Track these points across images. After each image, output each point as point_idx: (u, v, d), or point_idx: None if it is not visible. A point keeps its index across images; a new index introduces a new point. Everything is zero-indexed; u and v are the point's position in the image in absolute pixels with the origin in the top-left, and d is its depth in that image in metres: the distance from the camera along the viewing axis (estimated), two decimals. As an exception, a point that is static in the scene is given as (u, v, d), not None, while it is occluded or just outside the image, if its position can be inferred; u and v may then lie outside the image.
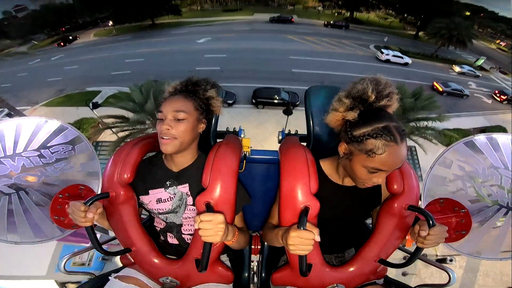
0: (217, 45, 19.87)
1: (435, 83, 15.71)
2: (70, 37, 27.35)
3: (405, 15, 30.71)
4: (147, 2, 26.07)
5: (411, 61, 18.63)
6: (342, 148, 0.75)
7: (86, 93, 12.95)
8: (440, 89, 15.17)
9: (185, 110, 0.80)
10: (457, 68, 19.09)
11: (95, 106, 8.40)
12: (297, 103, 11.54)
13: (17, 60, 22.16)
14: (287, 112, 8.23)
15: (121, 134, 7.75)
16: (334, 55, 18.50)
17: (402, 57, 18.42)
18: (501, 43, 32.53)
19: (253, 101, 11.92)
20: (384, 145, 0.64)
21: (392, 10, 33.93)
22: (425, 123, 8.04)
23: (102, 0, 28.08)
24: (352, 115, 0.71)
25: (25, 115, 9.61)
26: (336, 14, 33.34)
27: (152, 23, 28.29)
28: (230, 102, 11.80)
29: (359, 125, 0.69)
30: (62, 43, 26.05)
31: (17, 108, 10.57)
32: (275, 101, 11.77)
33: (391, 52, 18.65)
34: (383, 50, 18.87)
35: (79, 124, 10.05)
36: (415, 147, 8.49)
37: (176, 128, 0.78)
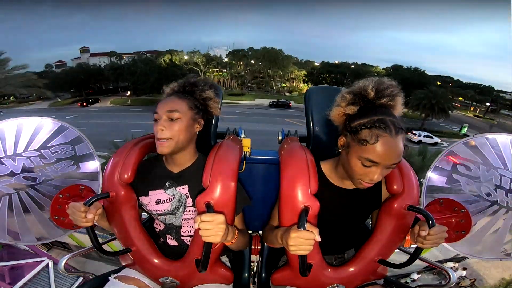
0: (220, 124, 20.45)
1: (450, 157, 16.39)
2: (91, 99, 30.05)
3: None
4: (165, 78, 28.30)
5: (439, 140, 19.50)
6: (341, 141, 0.76)
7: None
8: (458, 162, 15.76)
9: (178, 109, 0.80)
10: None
11: None
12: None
13: (34, 113, 23.10)
14: None
15: None
16: None
17: (432, 137, 19.49)
18: (474, 110, 34.79)
19: None
20: (377, 135, 0.65)
21: None
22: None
23: (127, 70, 30.57)
24: (352, 109, 0.72)
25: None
26: None
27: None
28: None
29: (356, 117, 0.71)
30: (84, 104, 28.58)
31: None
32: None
33: (422, 133, 19.85)
34: (414, 132, 19.81)
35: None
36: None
37: (170, 128, 0.78)
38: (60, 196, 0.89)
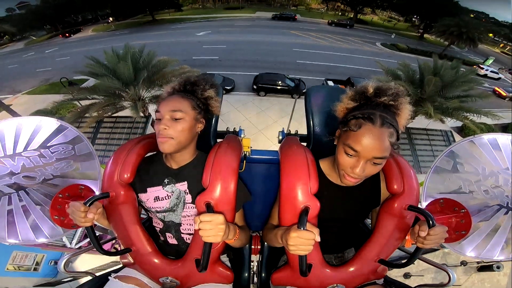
0: (217, 37, 19.27)
1: (497, 88, 15.11)
2: (73, 29, 27.78)
3: (410, 16, 30.64)
4: None
5: (503, 77, 18.86)
6: (337, 133, 0.77)
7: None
8: (504, 94, 14.54)
9: (182, 109, 0.80)
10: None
11: (71, 84, 8.13)
12: (304, 91, 10.28)
13: (12, 54, 22.22)
14: (297, 92, 7.61)
15: (85, 103, 6.88)
16: (340, 49, 17.85)
17: (497, 73, 18.69)
18: (504, 47, 32.95)
19: (254, 87, 10.58)
20: (360, 123, 0.67)
21: (397, 12, 33.77)
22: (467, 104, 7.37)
23: None
24: (351, 104, 0.74)
25: (4, 103, 9.27)
26: (340, 14, 33.29)
27: (152, 19, 28.04)
28: (228, 88, 10.61)
29: (352, 110, 0.73)
30: (67, 34, 26.50)
31: (-1, 96, 10.27)
32: (278, 87, 10.37)
33: (489, 68, 19.00)
34: (482, 66, 19.00)
35: (57, 109, 9.38)
36: (451, 131, 8.03)
37: (173, 128, 0.79)
38: (60, 196, 0.89)
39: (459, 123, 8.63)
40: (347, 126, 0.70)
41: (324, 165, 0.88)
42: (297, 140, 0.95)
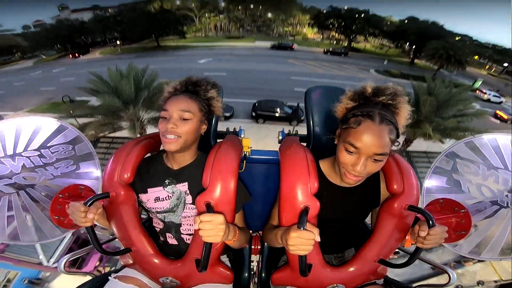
0: (218, 65, 20.01)
1: (498, 112, 15.34)
2: (83, 50, 29.35)
3: (400, 43, 32.08)
4: (155, 24, 27.37)
5: (504, 100, 19.38)
6: (337, 132, 0.78)
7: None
8: (506, 117, 14.75)
9: (191, 110, 0.81)
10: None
11: (72, 102, 8.20)
12: (302, 118, 10.42)
13: (20, 71, 23.17)
14: (295, 118, 7.60)
15: (83, 121, 6.77)
16: (336, 77, 18.59)
17: (499, 97, 19.41)
18: (490, 69, 33.87)
19: (253, 114, 10.93)
20: (360, 120, 0.68)
21: (388, 39, 35.48)
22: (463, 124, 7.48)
23: (112, 20, 29.41)
24: (350, 104, 0.75)
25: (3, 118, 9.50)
26: (334, 43, 34.93)
27: (157, 45, 29.48)
28: (228, 115, 10.87)
29: (351, 110, 0.74)
30: (76, 54, 27.95)
31: (0, 113, 10.62)
32: (277, 114, 10.65)
33: (492, 93, 19.82)
34: (485, 91, 19.80)
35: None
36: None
37: (181, 127, 0.79)
38: (60, 196, 0.89)
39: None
40: (346, 123, 0.72)
41: (324, 165, 0.88)
42: (297, 140, 0.95)
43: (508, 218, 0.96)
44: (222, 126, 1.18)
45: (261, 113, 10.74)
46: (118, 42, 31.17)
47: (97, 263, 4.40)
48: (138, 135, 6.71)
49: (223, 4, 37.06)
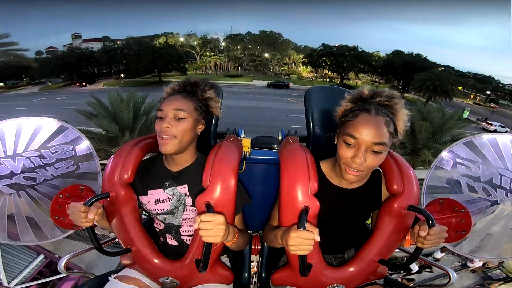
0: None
1: None
2: (91, 80, 30.87)
3: (389, 77, 33.27)
4: (158, 58, 28.31)
5: (509, 130, 19.73)
6: (337, 131, 0.79)
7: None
8: None
9: (185, 109, 0.80)
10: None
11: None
12: None
13: (24, 96, 24.16)
14: None
15: None
16: None
17: (504, 127, 20.03)
18: (475, 98, 34.85)
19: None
20: (357, 113, 0.71)
21: (377, 75, 36.99)
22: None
23: (120, 53, 30.35)
24: (349, 106, 0.78)
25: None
26: (327, 81, 36.66)
27: (159, 80, 30.28)
28: None
29: (350, 109, 0.77)
30: (84, 83, 29.21)
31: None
32: (274, 150, 11.12)
33: (497, 124, 20.48)
34: (491, 122, 20.44)
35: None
36: None
37: (176, 127, 0.79)
38: (60, 196, 0.89)
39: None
40: (345, 118, 0.75)
41: (325, 166, 0.88)
42: (297, 140, 0.95)
43: (508, 218, 0.96)
44: (222, 127, 1.18)
45: (259, 148, 11.18)
46: (122, 75, 32.20)
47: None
48: None
49: (223, 44, 38.82)
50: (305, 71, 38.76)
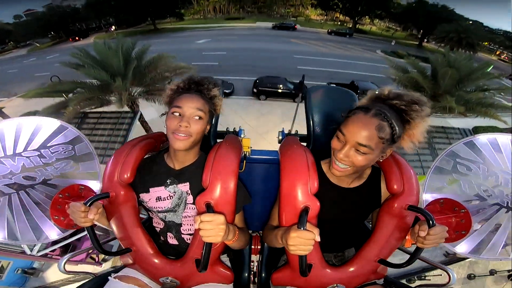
0: (217, 45, 19.32)
1: None
2: (83, 34, 29.15)
3: (407, 25, 31.54)
4: (150, 6, 26.64)
5: None
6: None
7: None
8: None
9: (203, 109, 0.82)
10: None
11: (60, 81, 7.76)
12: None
13: (14, 59, 22.72)
14: (301, 90, 7.05)
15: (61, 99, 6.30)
16: (340, 56, 17.89)
17: None
18: (501, 54, 33.15)
19: (254, 90, 10.27)
20: (355, 111, 0.71)
21: (395, 22, 34.69)
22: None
23: (106, 5, 28.57)
24: (363, 103, 0.76)
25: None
26: (339, 24, 34.31)
27: (154, 28, 28.71)
28: (227, 91, 10.22)
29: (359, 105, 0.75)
30: (77, 38, 27.75)
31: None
32: (280, 90, 10.04)
33: None
34: None
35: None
36: (470, 130, 7.03)
37: (193, 127, 0.80)
38: (60, 196, 0.89)
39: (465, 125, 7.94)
40: (349, 113, 0.74)
41: (326, 166, 0.88)
42: (297, 140, 0.95)
43: (508, 218, 0.96)
44: (222, 126, 1.18)
45: (263, 89, 10.17)
46: (113, 28, 30.29)
47: (89, 251, 4.21)
48: (126, 108, 6.34)
49: None
50: (313, 13, 36.37)
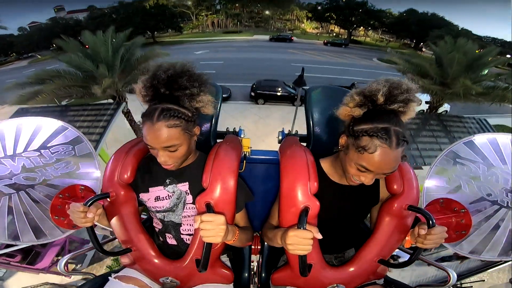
0: (215, 55, 19.71)
1: None
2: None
3: (401, 35, 32.44)
4: (150, 19, 27.37)
5: None
6: (342, 140, 0.76)
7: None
8: None
9: (175, 142, 0.72)
10: None
11: None
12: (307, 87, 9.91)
13: (14, 70, 23.24)
14: (300, 84, 6.88)
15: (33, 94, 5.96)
16: (337, 64, 18.29)
17: None
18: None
19: (252, 94, 10.04)
20: (376, 145, 0.63)
21: (388, 32, 35.75)
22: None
23: (108, 18, 29.22)
24: (358, 112, 0.70)
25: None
26: (334, 36, 35.53)
27: (153, 41, 29.42)
28: (225, 96, 9.97)
29: (361, 121, 0.69)
30: None
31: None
32: (278, 94, 9.86)
33: None
34: None
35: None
36: (485, 119, 6.69)
37: (172, 158, 0.76)
38: (60, 196, 0.89)
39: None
40: (358, 143, 0.67)
41: (325, 164, 0.88)
42: (297, 140, 0.95)
43: (508, 218, 0.96)
44: (222, 127, 1.18)
45: (261, 92, 9.86)
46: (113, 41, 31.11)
47: (54, 259, 3.95)
48: (111, 100, 6.02)
49: (219, 2, 37.30)
50: (309, 26, 37.42)
